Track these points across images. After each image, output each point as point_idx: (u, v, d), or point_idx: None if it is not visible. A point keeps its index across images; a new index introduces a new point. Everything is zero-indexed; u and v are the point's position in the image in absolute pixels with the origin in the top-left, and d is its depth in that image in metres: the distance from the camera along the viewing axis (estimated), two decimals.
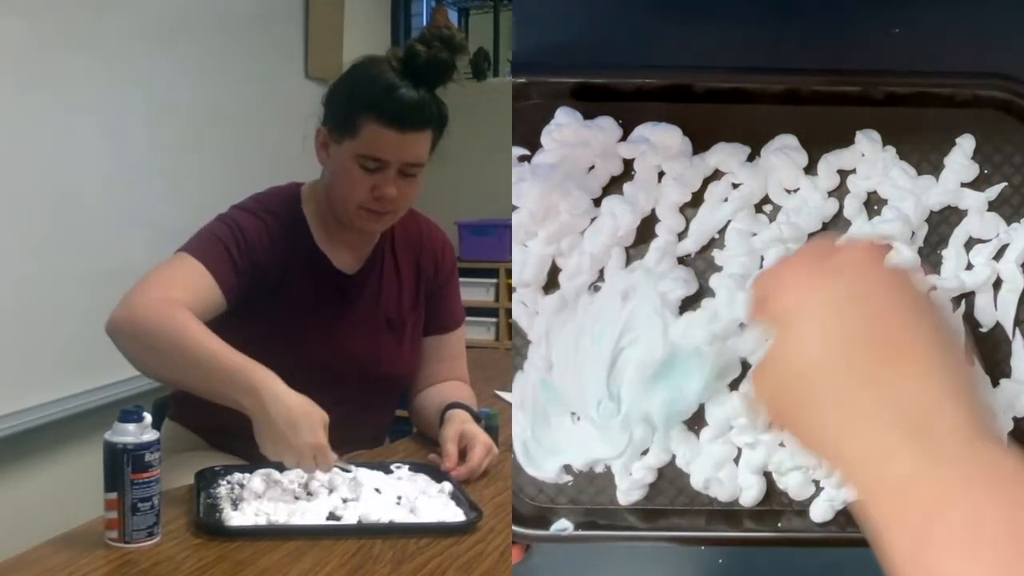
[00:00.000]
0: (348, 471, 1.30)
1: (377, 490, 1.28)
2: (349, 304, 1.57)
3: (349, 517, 1.20)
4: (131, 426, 1.12)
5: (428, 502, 1.25)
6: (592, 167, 0.94)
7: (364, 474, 1.31)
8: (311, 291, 1.54)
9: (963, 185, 0.92)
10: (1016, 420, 0.90)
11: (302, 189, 1.58)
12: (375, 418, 1.65)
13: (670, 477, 0.91)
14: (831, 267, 0.63)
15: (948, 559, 0.50)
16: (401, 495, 1.27)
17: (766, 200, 0.93)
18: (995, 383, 0.91)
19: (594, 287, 0.92)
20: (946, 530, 0.51)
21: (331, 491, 1.26)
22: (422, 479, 1.35)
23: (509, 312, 1.10)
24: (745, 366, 0.89)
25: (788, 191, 0.92)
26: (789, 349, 0.62)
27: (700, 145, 0.93)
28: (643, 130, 0.93)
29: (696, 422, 0.91)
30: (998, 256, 0.91)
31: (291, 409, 1.24)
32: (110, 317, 1.33)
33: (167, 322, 1.31)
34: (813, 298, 0.62)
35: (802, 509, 0.91)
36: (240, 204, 1.53)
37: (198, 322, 1.31)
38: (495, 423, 1.55)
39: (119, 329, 1.33)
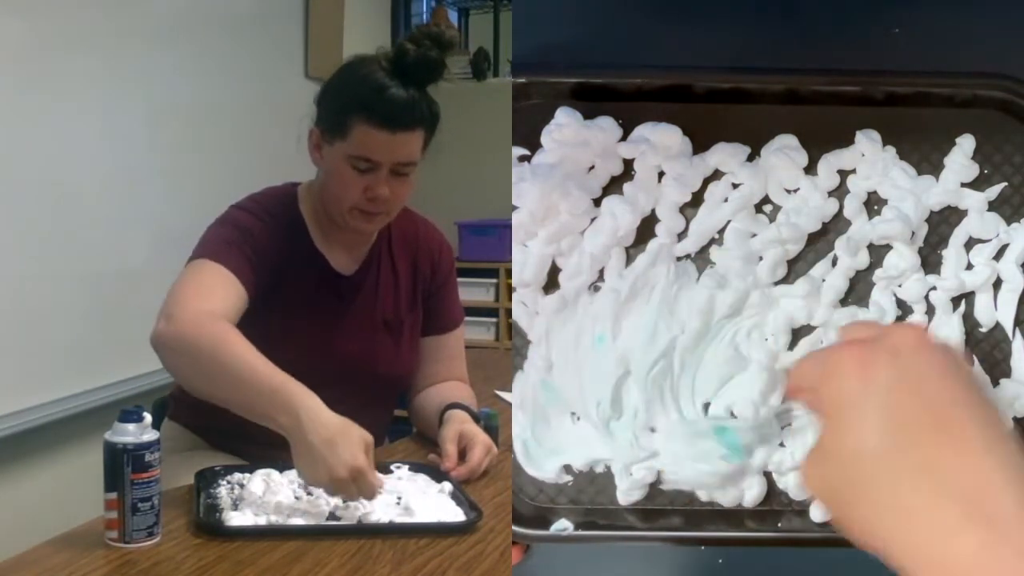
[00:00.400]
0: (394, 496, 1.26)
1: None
2: (346, 305, 1.57)
3: (349, 518, 1.20)
4: (131, 426, 1.12)
5: (428, 502, 1.25)
6: (592, 167, 0.94)
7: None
8: (308, 292, 1.54)
9: (963, 185, 0.92)
10: (1016, 420, 0.90)
11: (298, 189, 1.58)
12: (374, 419, 1.65)
13: None
14: (883, 351, 0.62)
15: None
16: (401, 495, 1.27)
17: (766, 200, 0.93)
18: (995, 383, 0.91)
19: (594, 287, 0.92)
20: None
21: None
22: (422, 479, 1.34)
23: (509, 312, 1.10)
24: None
25: (788, 191, 0.93)
26: (846, 438, 0.62)
27: (700, 145, 0.93)
28: (643, 130, 0.93)
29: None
30: (998, 256, 0.91)
31: (329, 428, 1.19)
32: (155, 331, 1.31)
33: (210, 338, 1.29)
34: (868, 385, 0.61)
35: (802, 509, 0.91)
36: (238, 204, 1.53)
37: (241, 337, 1.29)
38: (495, 423, 1.55)
39: (165, 344, 1.31)
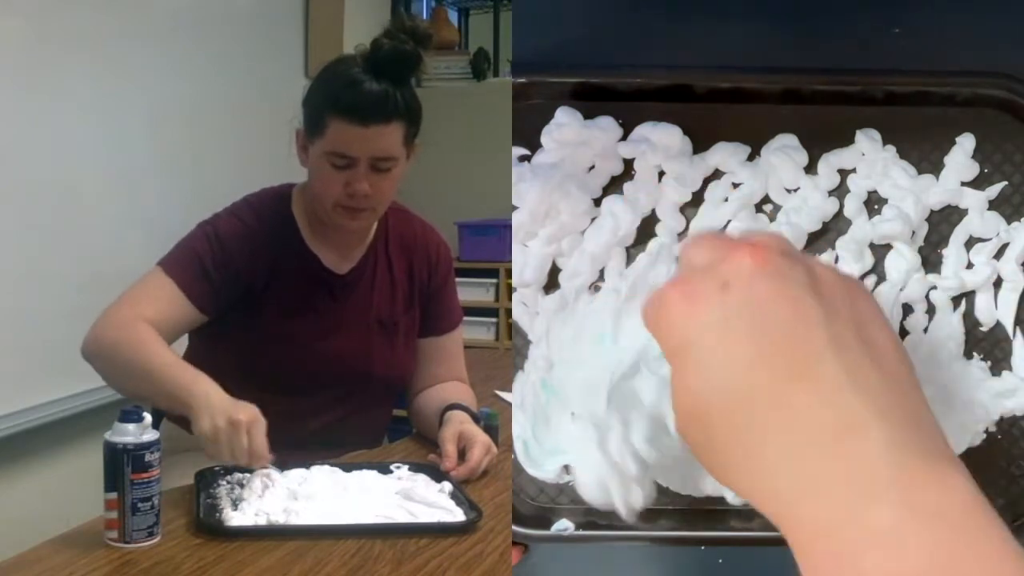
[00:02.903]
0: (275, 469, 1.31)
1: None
2: (340, 304, 1.57)
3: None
4: (131, 426, 1.12)
5: (428, 502, 1.25)
6: (592, 167, 0.94)
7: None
8: (301, 291, 1.54)
9: (963, 184, 0.92)
10: (1017, 418, 0.90)
11: (293, 191, 1.59)
12: (371, 419, 1.65)
13: None
14: (710, 285, 0.54)
15: None
16: (401, 495, 1.27)
17: (766, 200, 0.93)
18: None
19: (594, 287, 0.92)
20: None
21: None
22: (422, 479, 1.34)
23: (509, 312, 1.10)
24: None
25: (788, 191, 0.92)
26: (689, 389, 0.55)
27: (700, 145, 0.93)
28: (643, 130, 0.93)
29: None
30: (998, 255, 0.91)
31: (220, 406, 1.26)
32: (83, 339, 1.41)
33: (125, 339, 1.37)
34: (699, 324, 0.53)
35: None
36: (228, 207, 1.55)
37: (155, 337, 1.37)
38: (495, 423, 1.55)
39: (87, 349, 1.41)
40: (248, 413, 1.26)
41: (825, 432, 0.48)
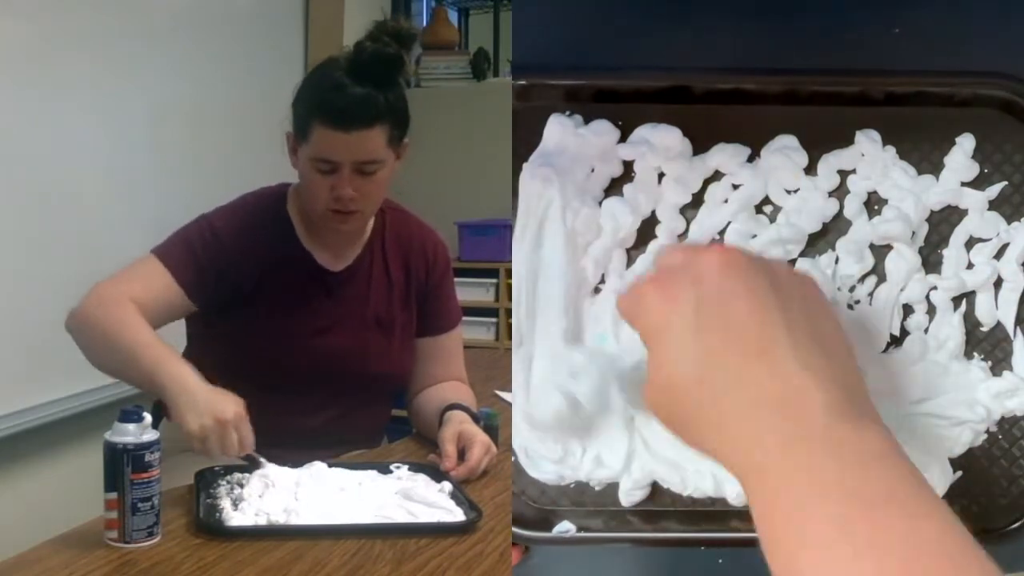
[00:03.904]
0: (259, 465, 1.30)
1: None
2: (335, 302, 1.57)
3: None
4: (131, 426, 1.12)
5: (428, 502, 1.25)
6: (592, 169, 0.93)
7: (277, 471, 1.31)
8: (295, 289, 1.54)
9: (963, 184, 0.92)
10: (1017, 418, 0.90)
11: (289, 190, 1.59)
12: (369, 417, 1.65)
13: None
14: (686, 280, 0.65)
15: (808, 545, 0.54)
16: (401, 495, 1.27)
17: (766, 201, 0.93)
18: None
19: (595, 288, 0.92)
20: (809, 515, 0.54)
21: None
22: (422, 479, 1.35)
23: (509, 312, 1.10)
24: None
25: (788, 192, 0.92)
26: (662, 368, 0.65)
27: (700, 146, 0.93)
28: (643, 131, 0.93)
29: None
30: (999, 255, 0.91)
31: (197, 393, 1.26)
32: (68, 312, 1.41)
33: (107, 315, 1.37)
34: (675, 313, 0.64)
35: None
36: (226, 204, 1.55)
37: (137, 316, 1.37)
38: (495, 423, 1.55)
39: (70, 323, 1.41)
40: (233, 409, 1.25)
41: (775, 399, 0.60)
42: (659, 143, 0.92)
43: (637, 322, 0.68)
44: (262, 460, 1.30)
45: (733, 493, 0.91)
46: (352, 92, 1.42)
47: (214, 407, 1.24)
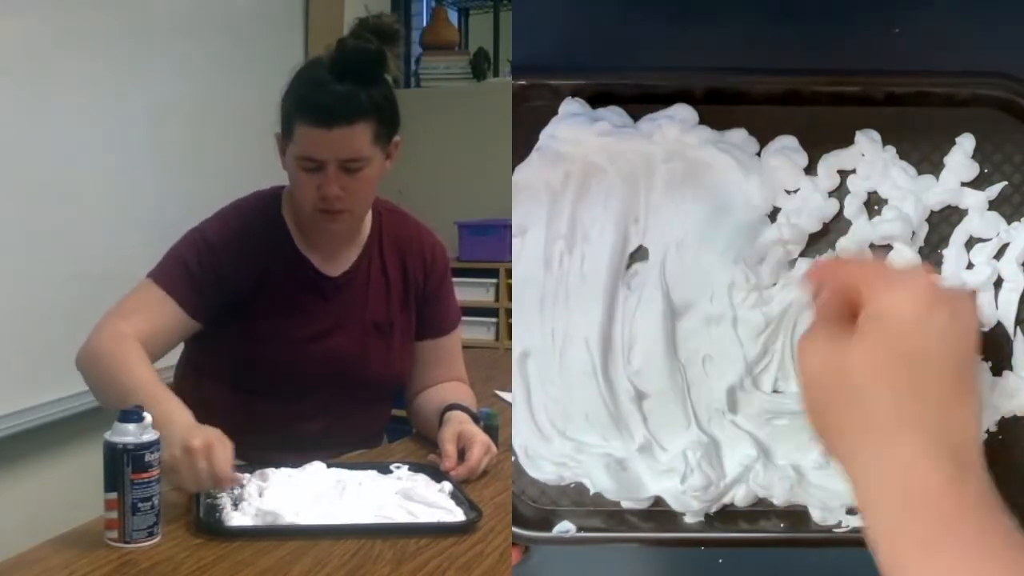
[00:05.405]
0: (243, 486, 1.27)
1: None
2: (333, 306, 1.56)
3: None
4: (131, 426, 1.12)
5: (428, 502, 1.25)
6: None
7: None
8: (293, 293, 1.54)
9: (963, 184, 0.92)
10: (1018, 418, 0.90)
11: (283, 192, 1.58)
12: (369, 420, 1.65)
13: None
14: (947, 297, 0.67)
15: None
16: (401, 495, 1.27)
17: None
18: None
19: None
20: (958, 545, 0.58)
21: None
22: (422, 479, 1.34)
23: (509, 312, 1.11)
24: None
25: (788, 192, 0.92)
26: (879, 343, 0.65)
27: None
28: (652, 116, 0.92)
29: None
30: (999, 255, 0.91)
31: (187, 433, 1.21)
32: (77, 352, 1.42)
33: (109, 354, 1.38)
34: (930, 320, 0.65)
35: (802, 509, 0.91)
36: (217, 212, 1.55)
37: (138, 354, 1.37)
38: (495, 423, 1.55)
39: (78, 363, 1.42)
40: (203, 439, 1.21)
41: (948, 435, 0.63)
42: (676, 115, 0.92)
43: (887, 294, 0.68)
44: (245, 477, 1.28)
45: (739, 495, 0.91)
46: (333, 89, 1.41)
47: (184, 436, 1.20)
